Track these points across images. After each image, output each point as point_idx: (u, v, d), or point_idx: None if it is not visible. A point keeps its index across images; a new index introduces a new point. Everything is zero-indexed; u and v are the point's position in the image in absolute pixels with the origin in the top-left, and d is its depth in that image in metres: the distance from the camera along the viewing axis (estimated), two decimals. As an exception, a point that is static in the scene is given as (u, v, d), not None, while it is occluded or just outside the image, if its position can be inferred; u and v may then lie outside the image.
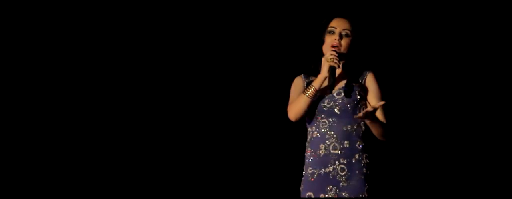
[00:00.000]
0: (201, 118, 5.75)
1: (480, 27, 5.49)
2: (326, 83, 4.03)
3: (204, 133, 5.75)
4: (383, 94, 4.08)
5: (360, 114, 3.88)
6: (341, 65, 4.07)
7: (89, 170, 5.72)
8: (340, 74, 4.10)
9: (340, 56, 4.04)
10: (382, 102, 3.92)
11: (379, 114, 4.01)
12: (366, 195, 3.97)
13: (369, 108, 3.86)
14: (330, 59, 3.99)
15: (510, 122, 5.47)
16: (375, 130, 4.00)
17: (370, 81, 4.08)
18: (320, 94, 4.06)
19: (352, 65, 4.11)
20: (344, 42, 4.07)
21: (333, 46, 4.05)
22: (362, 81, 4.08)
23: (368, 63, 4.14)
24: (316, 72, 4.11)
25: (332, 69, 4.00)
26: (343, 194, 3.97)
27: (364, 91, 4.07)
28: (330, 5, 5.28)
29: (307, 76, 4.17)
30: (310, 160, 4.08)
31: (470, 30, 5.51)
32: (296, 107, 4.07)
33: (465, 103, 5.51)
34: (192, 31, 5.76)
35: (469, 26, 5.51)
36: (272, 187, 5.62)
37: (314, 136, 4.09)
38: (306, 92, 4.03)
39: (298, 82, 4.18)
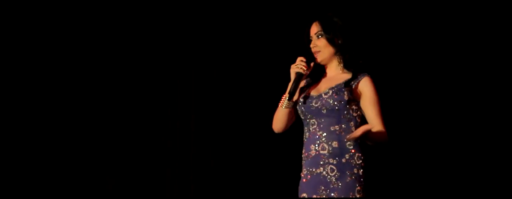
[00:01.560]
0: (205, 119, 5.76)
1: (478, 26, 5.46)
2: (315, 88, 4.06)
3: (210, 134, 5.76)
4: (380, 97, 4.02)
5: (350, 137, 3.87)
6: (331, 66, 4.10)
7: (89, 170, 5.73)
8: (330, 74, 4.11)
9: (322, 57, 4.06)
10: (369, 127, 3.83)
11: (374, 121, 3.97)
12: (357, 196, 3.93)
13: (356, 134, 3.84)
14: (296, 65, 4.02)
15: (509, 122, 5.45)
16: (372, 143, 3.96)
17: (364, 85, 4.01)
18: (308, 95, 4.07)
19: (344, 64, 4.08)
20: (320, 43, 4.07)
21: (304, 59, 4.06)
22: (354, 83, 4.02)
23: (362, 62, 4.08)
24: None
25: (298, 75, 4.01)
26: (332, 194, 3.94)
27: (354, 93, 4.01)
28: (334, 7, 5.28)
29: (307, 81, 4.18)
30: (304, 161, 4.08)
31: (469, 30, 5.47)
32: (274, 117, 4.13)
33: (460, 103, 5.47)
34: (195, 33, 5.77)
35: (468, 26, 5.48)
36: (276, 188, 5.61)
37: (307, 136, 4.08)
38: (280, 102, 4.07)
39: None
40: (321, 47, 4.06)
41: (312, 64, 4.07)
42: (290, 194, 4.35)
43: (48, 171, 5.68)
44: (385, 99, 4.08)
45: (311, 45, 4.08)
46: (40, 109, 5.67)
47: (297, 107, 4.11)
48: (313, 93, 4.06)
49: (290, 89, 4.00)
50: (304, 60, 4.03)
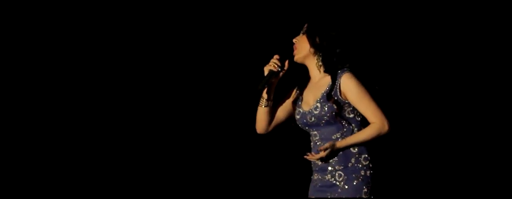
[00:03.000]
0: (207, 120, 5.74)
1: (477, 24, 5.46)
2: (305, 102, 4.04)
3: (221, 136, 5.79)
4: (369, 88, 3.95)
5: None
6: (316, 69, 4.06)
7: (89, 170, 5.72)
8: (314, 79, 4.09)
9: (297, 53, 4.05)
10: (320, 155, 3.91)
11: (367, 117, 3.95)
12: (364, 197, 3.93)
13: (317, 156, 3.92)
14: (270, 64, 4.04)
15: (510, 122, 5.44)
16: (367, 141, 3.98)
17: (345, 85, 3.96)
18: (301, 111, 4.06)
19: (325, 67, 4.04)
20: (300, 39, 4.07)
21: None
22: (336, 89, 3.98)
23: (348, 60, 4.01)
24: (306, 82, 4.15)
25: (269, 73, 4.04)
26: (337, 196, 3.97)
27: (341, 97, 3.97)
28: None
29: (300, 86, 4.19)
30: (313, 167, 4.09)
31: (467, 27, 5.47)
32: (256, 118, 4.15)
33: (469, 101, 5.47)
34: (199, 34, 5.75)
35: (466, 24, 5.47)
36: (288, 190, 5.61)
37: (312, 146, 4.09)
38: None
39: (289, 93, 4.23)
40: (299, 43, 4.06)
41: (286, 62, 4.07)
42: (295, 194, 4.35)
43: (47, 171, 5.69)
44: (391, 99, 4.06)
45: (294, 40, 4.10)
46: (35, 109, 5.68)
47: (297, 123, 4.12)
48: (305, 108, 4.06)
49: (259, 85, 4.04)
50: (278, 57, 4.05)
